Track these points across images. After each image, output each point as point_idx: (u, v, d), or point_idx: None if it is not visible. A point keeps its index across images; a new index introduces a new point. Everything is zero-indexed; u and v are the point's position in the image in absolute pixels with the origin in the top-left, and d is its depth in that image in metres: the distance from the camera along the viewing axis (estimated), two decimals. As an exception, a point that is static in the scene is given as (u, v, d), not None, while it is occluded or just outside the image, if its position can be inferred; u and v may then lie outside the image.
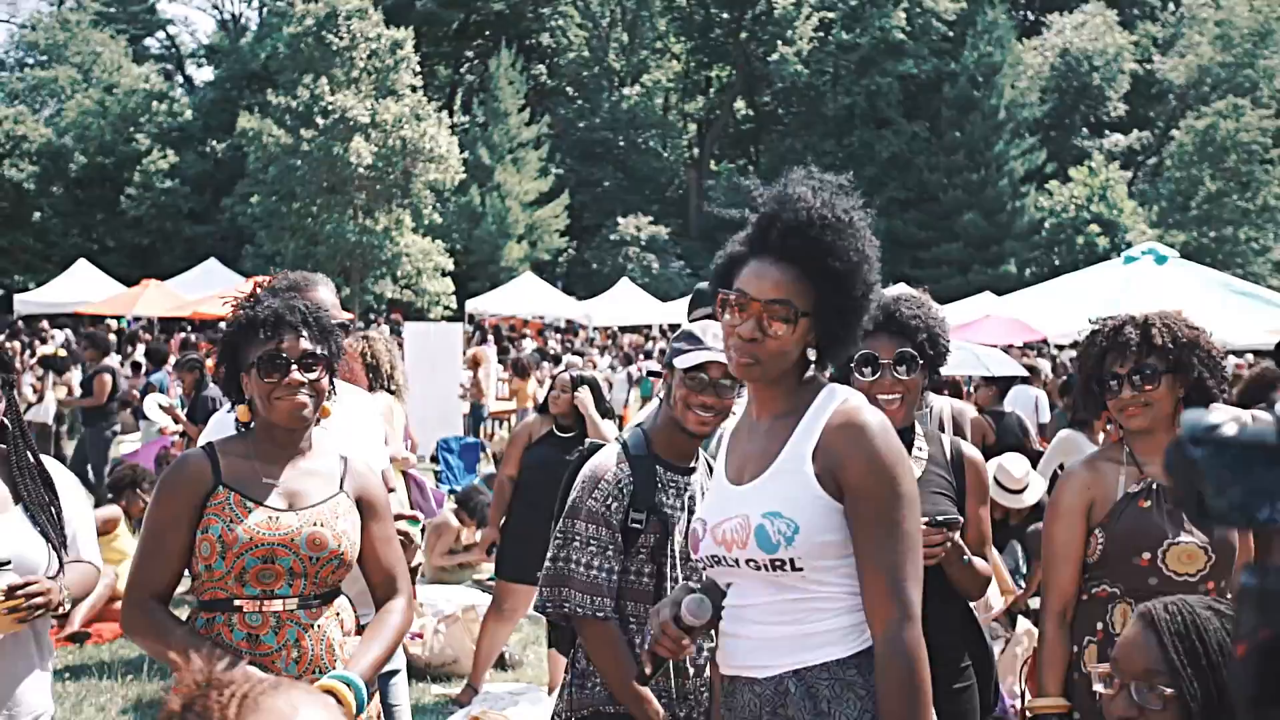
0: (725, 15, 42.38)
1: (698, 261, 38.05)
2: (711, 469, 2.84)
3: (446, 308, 31.31)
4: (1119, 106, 42.06)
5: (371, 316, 28.38)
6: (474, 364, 14.20)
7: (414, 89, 29.45)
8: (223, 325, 2.68)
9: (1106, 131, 42.66)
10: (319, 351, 2.52)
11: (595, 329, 28.34)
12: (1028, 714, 2.83)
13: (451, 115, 34.74)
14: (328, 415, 2.63)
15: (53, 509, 2.71)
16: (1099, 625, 2.78)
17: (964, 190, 37.02)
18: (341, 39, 28.41)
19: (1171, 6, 45.80)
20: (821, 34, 39.27)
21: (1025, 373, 9.64)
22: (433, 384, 13.32)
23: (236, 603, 2.44)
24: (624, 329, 28.59)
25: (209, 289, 22.55)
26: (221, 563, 2.42)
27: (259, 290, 2.86)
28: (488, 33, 42.85)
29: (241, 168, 31.69)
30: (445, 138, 28.65)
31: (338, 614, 2.56)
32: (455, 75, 44.62)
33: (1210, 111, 36.65)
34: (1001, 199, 36.89)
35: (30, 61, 42.62)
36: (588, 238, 39.51)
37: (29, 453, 2.72)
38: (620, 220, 37.87)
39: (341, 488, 2.59)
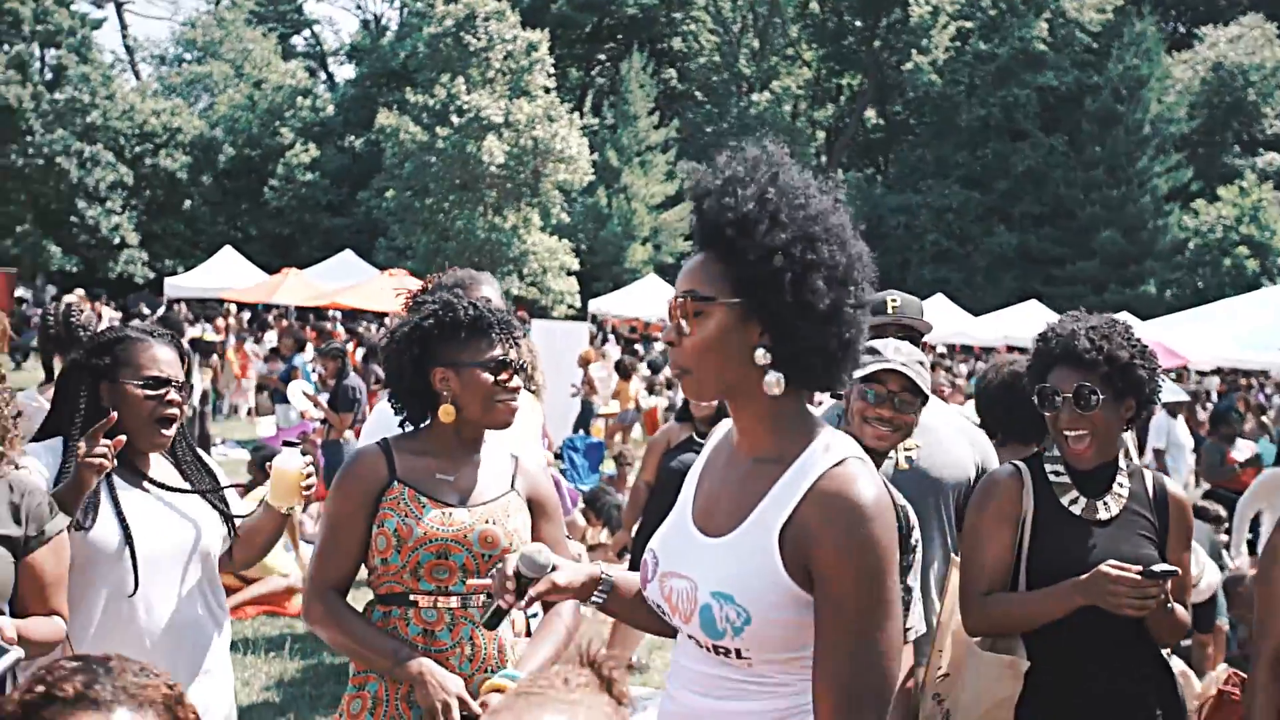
0: (858, 23, 41.90)
1: (821, 270, 37.68)
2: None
3: (570, 306, 31.70)
4: (1275, 124, 40.11)
5: (497, 313, 28.90)
6: (584, 362, 14.36)
7: (547, 90, 29.87)
8: (405, 318, 2.68)
9: (1261, 150, 40.72)
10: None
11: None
12: None
13: (581, 117, 35.18)
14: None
15: (219, 491, 2.83)
16: None
17: (1103, 207, 35.79)
18: (479, 40, 29.02)
19: (1337, 20, 43.46)
20: (958, 43, 38.47)
21: (1186, 397, 9.25)
22: (557, 382, 13.51)
23: (412, 597, 2.48)
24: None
25: (344, 279, 23.31)
26: (397, 557, 2.47)
27: (430, 286, 2.93)
28: (620, 36, 43.23)
29: (377, 163, 32.63)
30: (576, 139, 28.99)
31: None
32: (585, 77, 45.12)
33: (1377, 132, 34.64)
34: (1143, 217, 35.54)
35: (188, 57, 44.72)
36: (711, 242, 39.56)
37: (188, 438, 2.84)
38: (745, 226, 37.76)
39: (513, 486, 2.62)
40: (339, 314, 22.71)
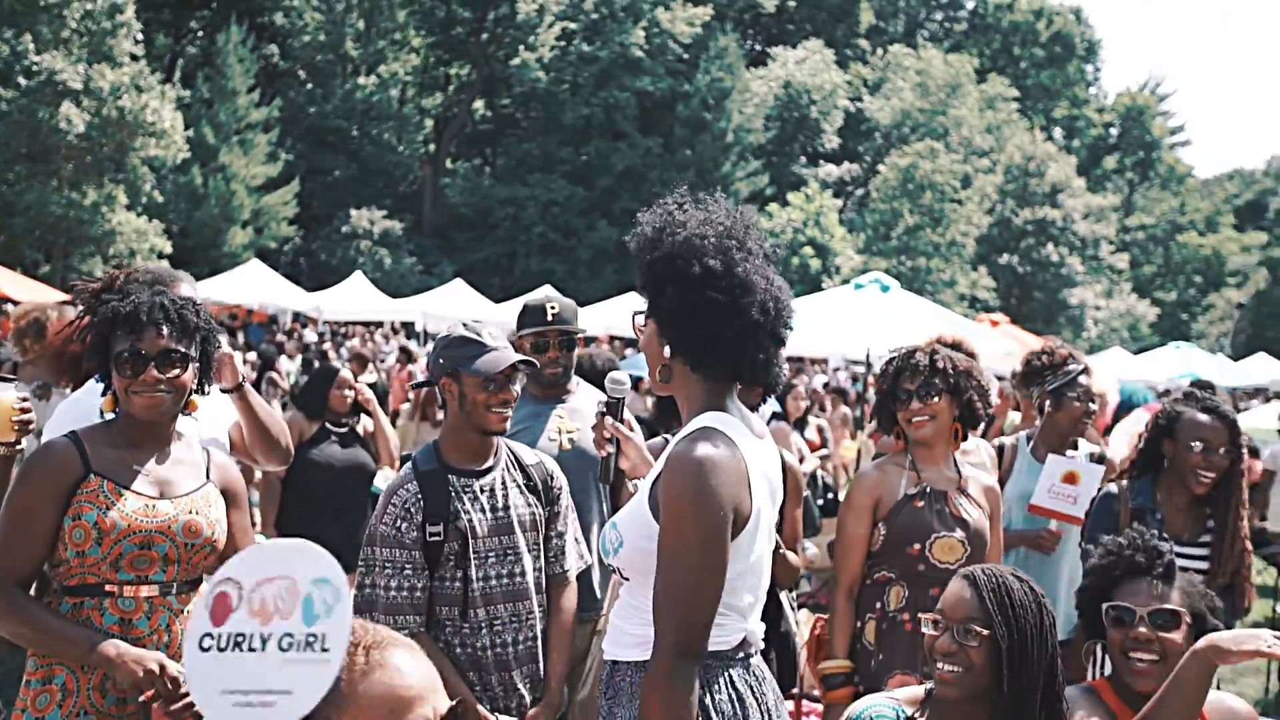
0: (467, 14, 42.27)
1: (431, 258, 37.71)
2: (516, 459, 3.04)
3: (162, 292, 29.31)
4: (833, 139, 45.45)
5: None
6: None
7: (135, 58, 27.47)
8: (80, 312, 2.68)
9: (821, 161, 45.98)
10: (180, 349, 2.55)
11: (325, 323, 27.57)
12: (820, 674, 3.31)
13: (171, 88, 32.66)
14: (195, 409, 2.67)
15: None
16: (878, 604, 3.27)
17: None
18: (51, -5, 26.06)
19: (880, 52, 49.98)
20: (563, 43, 39.98)
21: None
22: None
23: (108, 588, 2.47)
24: (354, 323, 27.98)
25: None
26: (97, 549, 2.44)
27: (119, 283, 2.85)
28: (214, 5, 40.58)
29: (-81, 123, 28.35)
30: (169, 112, 26.91)
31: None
32: (175, 46, 41.92)
33: (910, 151, 40.26)
34: (727, 218, 38.88)
35: None
36: (317, 227, 38.28)
37: None
38: (353, 212, 36.96)
39: (208, 478, 2.66)
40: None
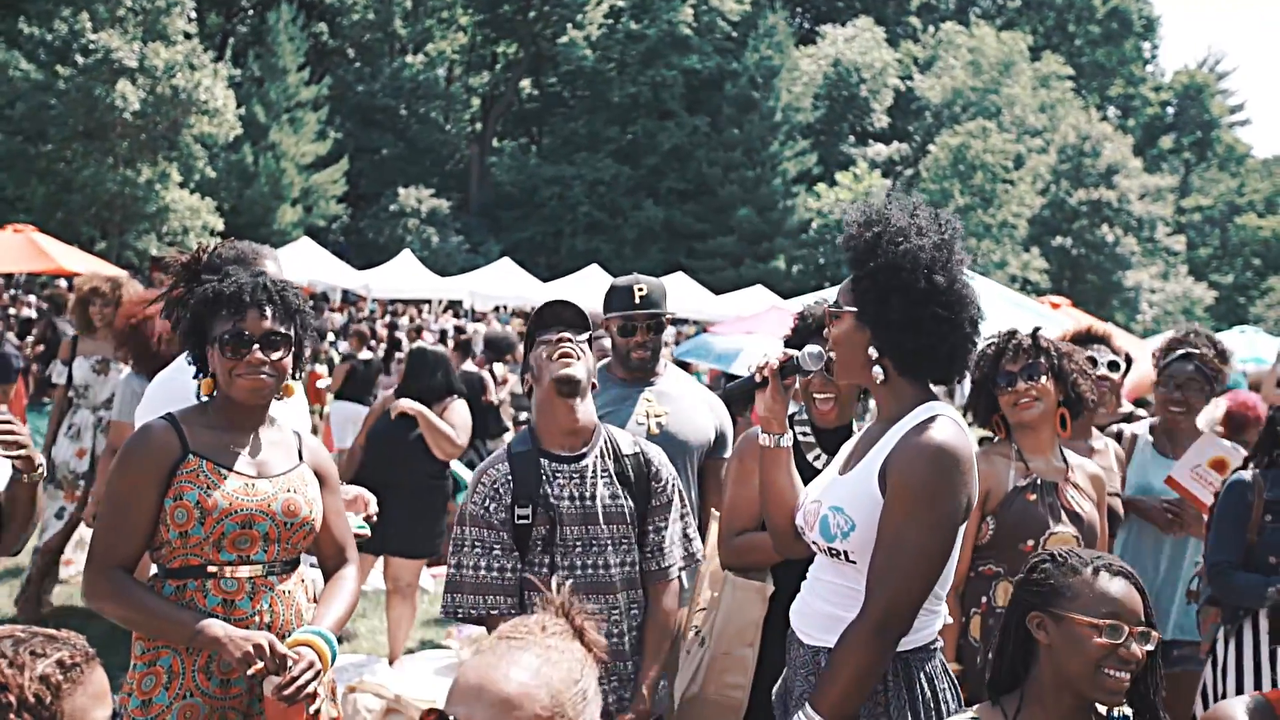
0: (514, -9, 42.16)
1: (478, 237, 37.77)
2: (614, 448, 2.95)
3: (213, 269, 29.57)
4: (883, 118, 44.86)
5: (132, 275, 26.55)
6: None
7: (188, 36, 27.68)
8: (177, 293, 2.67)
9: (870, 141, 45.42)
10: (283, 330, 2.51)
11: (375, 301, 27.71)
12: None
13: (221, 65, 32.88)
14: (291, 394, 2.63)
15: None
16: (983, 599, 3.14)
17: (740, 186, 38.52)
18: (107, -27, 26.31)
19: (931, 29, 49.19)
20: (611, 21, 39.74)
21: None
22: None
23: (211, 569, 2.45)
24: (400, 301, 28.09)
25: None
26: (200, 529, 2.42)
27: (206, 258, 2.81)
28: (265, -17, 40.76)
29: (-23, 101, 28.77)
30: (221, 90, 27.10)
31: (302, 580, 2.61)
32: (227, 24, 42.18)
33: (961, 131, 39.63)
34: (774, 197, 38.63)
35: None
36: (365, 206, 38.47)
37: None
38: (400, 190, 37.07)
39: (301, 459, 2.63)
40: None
